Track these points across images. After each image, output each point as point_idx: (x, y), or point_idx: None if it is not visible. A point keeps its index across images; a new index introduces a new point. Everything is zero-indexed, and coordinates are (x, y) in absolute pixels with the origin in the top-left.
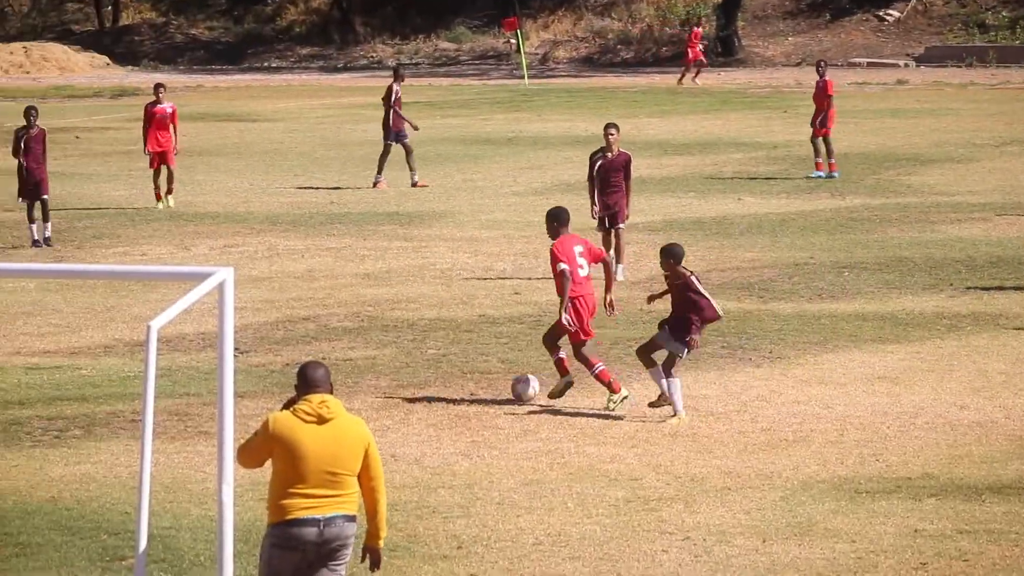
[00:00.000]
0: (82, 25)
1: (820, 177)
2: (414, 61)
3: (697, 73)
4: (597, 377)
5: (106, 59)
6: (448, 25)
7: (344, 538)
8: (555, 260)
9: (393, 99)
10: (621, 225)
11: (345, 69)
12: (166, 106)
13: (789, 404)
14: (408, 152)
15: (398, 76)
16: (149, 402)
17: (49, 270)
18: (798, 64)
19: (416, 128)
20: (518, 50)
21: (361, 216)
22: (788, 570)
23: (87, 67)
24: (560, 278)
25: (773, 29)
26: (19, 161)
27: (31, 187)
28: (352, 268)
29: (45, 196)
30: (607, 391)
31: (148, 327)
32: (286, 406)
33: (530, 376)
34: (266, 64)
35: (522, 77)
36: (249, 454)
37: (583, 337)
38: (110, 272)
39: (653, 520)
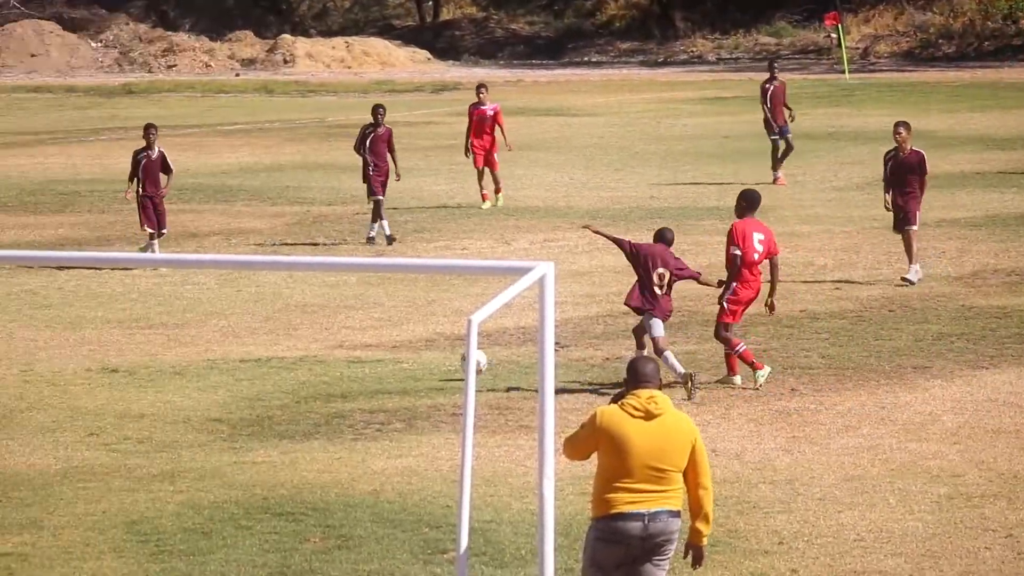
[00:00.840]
0: (403, 20)
1: None
2: (734, 56)
3: None
4: (741, 357)
5: (427, 54)
6: (768, 20)
7: (668, 533)
8: (731, 242)
9: (769, 95)
10: (912, 227)
11: (665, 64)
12: (488, 108)
13: None
14: (787, 150)
15: (772, 71)
16: (470, 396)
17: (371, 264)
18: None
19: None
20: (839, 45)
21: (681, 211)
22: None
23: (408, 62)
24: (731, 261)
25: None
26: (363, 158)
27: (378, 185)
28: None
29: (379, 197)
30: (751, 371)
31: (469, 321)
32: (614, 400)
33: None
34: (586, 59)
35: (843, 72)
36: (575, 447)
37: (734, 320)
38: (431, 266)
39: (975, 517)
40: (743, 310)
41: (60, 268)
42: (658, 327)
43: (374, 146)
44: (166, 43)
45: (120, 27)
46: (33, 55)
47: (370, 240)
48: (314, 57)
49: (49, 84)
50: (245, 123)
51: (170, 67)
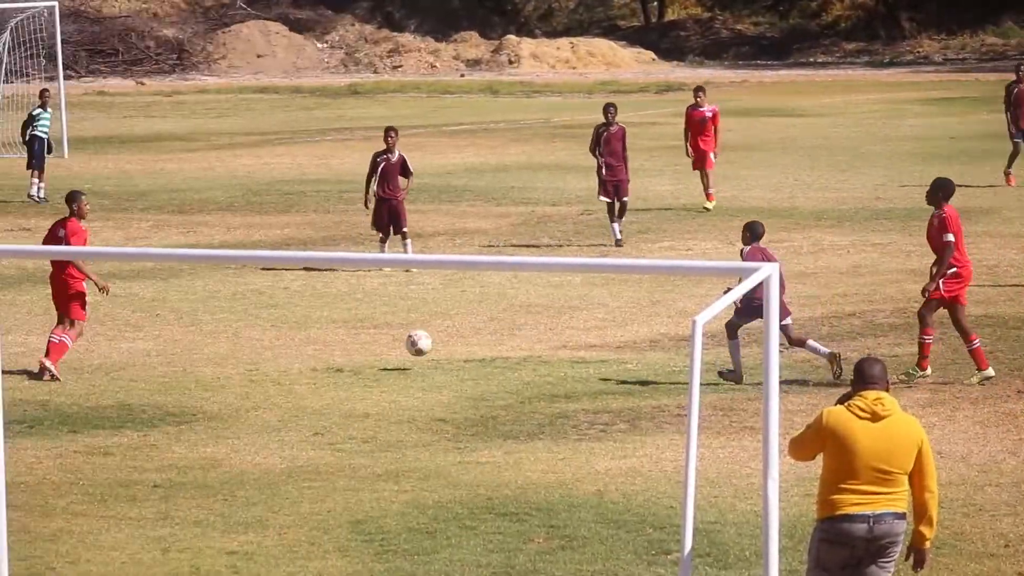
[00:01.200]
0: (628, 20)
1: None
2: (960, 56)
3: None
4: (921, 346)
5: (651, 54)
6: (996, 20)
7: (894, 535)
8: (945, 229)
9: (1013, 96)
10: None
11: (890, 64)
12: (706, 109)
13: None
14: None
15: (1019, 74)
16: (695, 397)
17: (596, 265)
18: None
19: None
20: None
21: (907, 212)
22: None
23: (632, 62)
24: (946, 249)
25: None
26: (597, 159)
27: (611, 186)
28: (897, 264)
29: (625, 198)
30: (975, 364)
31: (694, 322)
32: (840, 401)
33: (418, 332)
34: (811, 60)
35: None
36: (801, 447)
37: (961, 302)
38: (656, 267)
39: None
40: (962, 290)
41: (286, 269)
42: (787, 320)
43: (608, 145)
44: (392, 44)
45: (346, 28)
46: (259, 56)
47: (618, 243)
48: (539, 58)
49: (275, 85)
50: (470, 123)
51: (395, 68)
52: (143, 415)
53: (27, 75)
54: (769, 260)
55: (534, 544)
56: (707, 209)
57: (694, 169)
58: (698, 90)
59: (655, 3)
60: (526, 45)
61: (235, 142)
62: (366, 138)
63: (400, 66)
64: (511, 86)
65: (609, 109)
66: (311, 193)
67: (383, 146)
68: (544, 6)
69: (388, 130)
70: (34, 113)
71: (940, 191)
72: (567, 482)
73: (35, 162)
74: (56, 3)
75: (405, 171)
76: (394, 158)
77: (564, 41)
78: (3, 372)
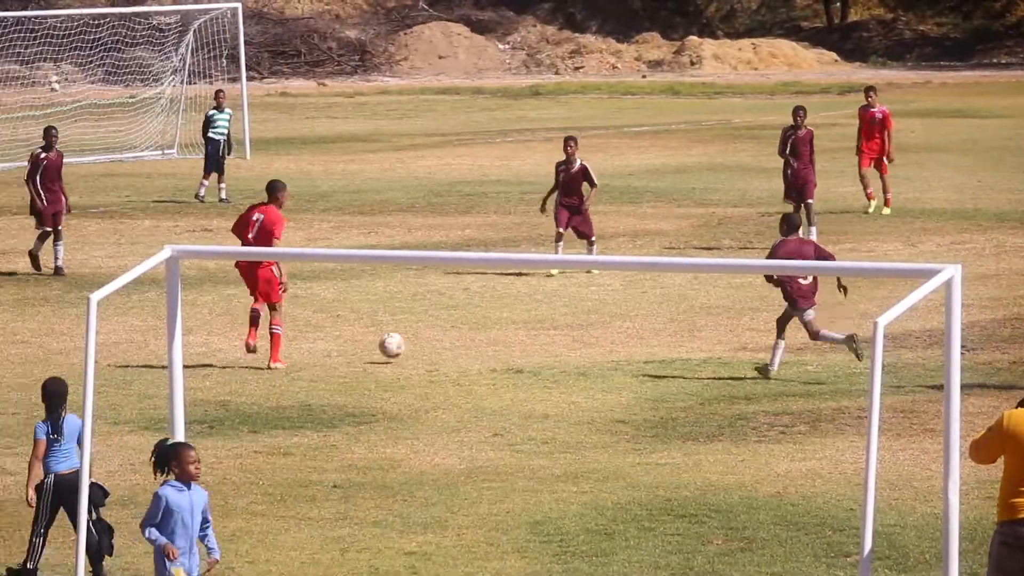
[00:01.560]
0: (810, 21)
1: None
2: None
3: None
4: None
5: (833, 55)
6: None
7: None
8: None
9: None
10: None
11: None
12: (876, 110)
13: None
14: None
15: None
16: (875, 398)
17: (778, 266)
18: None
19: None
20: None
21: None
22: None
23: (814, 63)
24: None
25: None
26: (786, 160)
27: (796, 189)
28: None
29: (809, 200)
30: None
31: (875, 324)
32: (1021, 404)
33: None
34: (995, 60)
35: None
36: (982, 450)
37: None
38: (838, 268)
39: None
40: None
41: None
42: (811, 315)
43: (796, 148)
44: (573, 45)
45: (528, 29)
46: (441, 57)
47: None
48: (720, 58)
49: (457, 86)
50: (651, 125)
51: (577, 69)
52: (323, 415)
53: (210, 76)
54: (804, 253)
55: (713, 546)
56: (868, 213)
57: (861, 169)
58: (869, 90)
59: (838, 4)
60: (708, 46)
61: (416, 143)
62: (547, 139)
63: (581, 67)
64: (692, 87)
65: (799, 112)
66: (492, 194)
67: (564, 154)
68: (726, 7)
69: (567, 139)
70: (210, 115)
71: None
72: (746, 484)
73: (209, 164)
74: (239, 5)
75: (588, 179)
76: (575, 167)
77: (746, 42)
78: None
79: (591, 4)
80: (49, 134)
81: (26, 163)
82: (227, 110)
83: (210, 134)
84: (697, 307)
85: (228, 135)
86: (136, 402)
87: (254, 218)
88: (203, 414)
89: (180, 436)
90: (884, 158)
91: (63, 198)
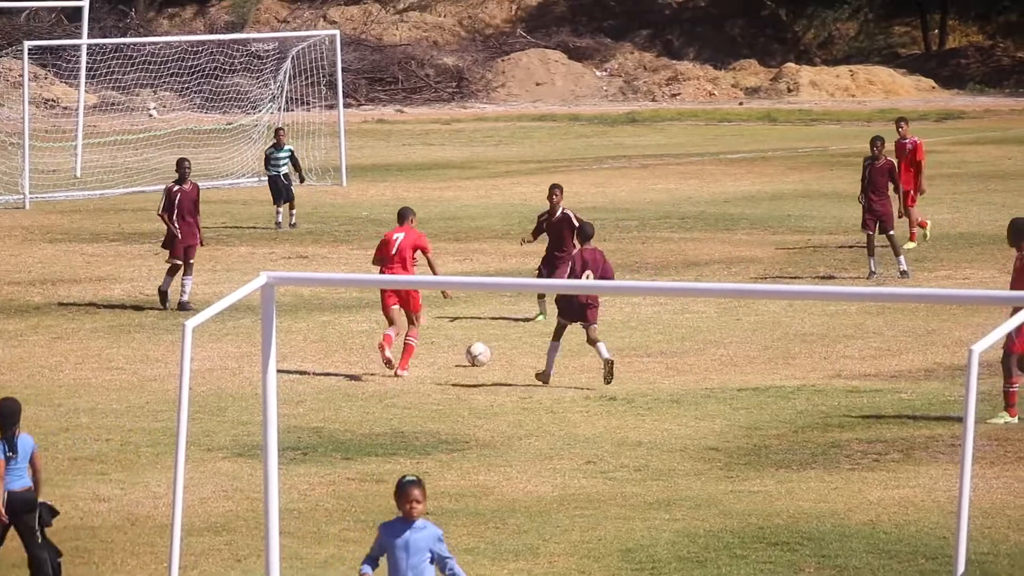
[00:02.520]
0: (908, 48)
1: None
2: None
3: None
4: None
5: (931, 82)
6: None
7: None
8: None
9: None
10: None
11: None
12: (907, 141)
13: None
14: None
15: None
16: (970, 426)
17: (871, 294)
18: None
19: None
20: None
21: None
22: None
23: (912, 90)
24: None
25: None
26: (862, 191)
27: (874, 220)
28: None
29: (891, 231)
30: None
31: (970, 351)
32: None
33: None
34: None
35: None
36: None
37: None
38: (932, 296)
39: None
40: None
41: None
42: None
43: (872, 180)
44: (670, 72)
45: (625, 56)
46: (538, 84)
47: (903, 275)
48: (818, 85)
49: (553, 113)
50: (748, 152)
51: (674, 95)
52: (416, 442)
53: (307, 103)
54: (595, 261)
55: (805, 574)
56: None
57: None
58: (900, 121)
59: (936, 31)
60: (805, 73)
61: (512, 170)
62: (643, 166)
63: (678, 94)
64: (789, 114)
65: (876, 143)
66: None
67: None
68: (824, 34)
69: (552, 188)
70: (268, 152)
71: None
72: (839, 512)
73: (276, 196)
74: (337, 32)
75: (571, 228)
76: (556, 216)
77: (844, 69)
78: (277, 398)
79: (689, 31)
80: (182, 166)
81: (160, 194)
82: (287, 147)
83: (271, 171)
84: (791, 334)
85: (292, 168)
86: (230, 428)
87: (394, 238)
88: (296, 441)
89: (273, 463)
90: (914, 191)
91: (197, 231)
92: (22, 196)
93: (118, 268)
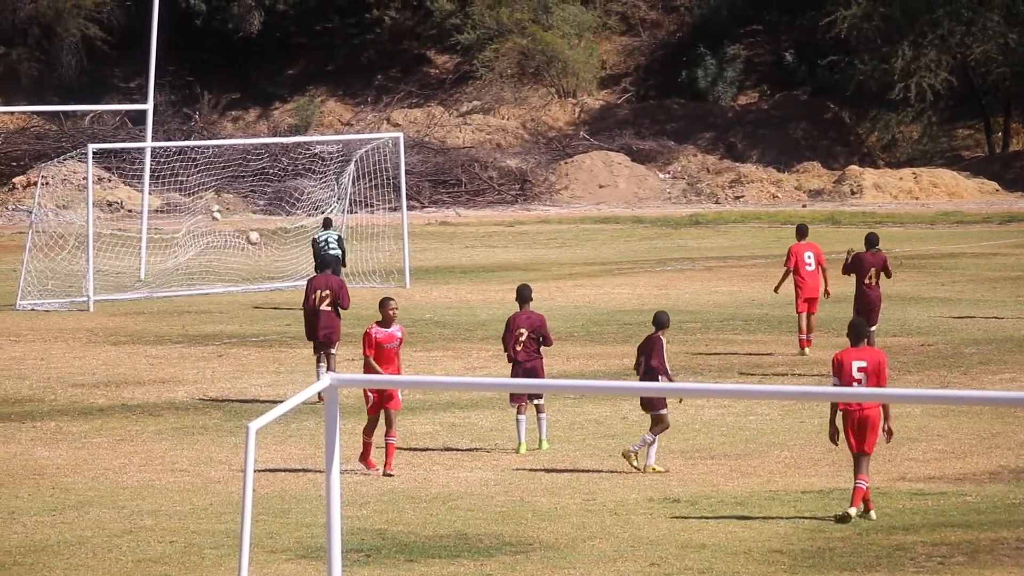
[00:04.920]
0: (971, 151)
1: None
2: None
3: None
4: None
5: (995, 185)
6: None
7: None
8: None
9: None
10: None
11: None
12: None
13: None
14: None
15: None
16: None
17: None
18: None
19: None
20: None
21: None
22: None
23: (975, 193)
24: None
25: None
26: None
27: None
28: None
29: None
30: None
31: None
32: None
33: None
34: None
35: None
36: None
37: None
38: (997, 399)
39: None
40: None
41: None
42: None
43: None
44: (734, 174)
45: (688, 158)
46: (601, 186)
47: None
48: (881, 188)
49: (617, 215)
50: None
51: (737, 198)
52: (480, 544)
53: (371, 205)
54: (532, 320)
55: None
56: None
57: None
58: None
59: (1000, 134)
60: (869, 175)
61: (575, 272)
62: (707, 268)
63: (742, 196)
64: (852, 216)
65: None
66: (650, 324)
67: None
68: (887, 137)
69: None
70: (315, 237)
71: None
72: None
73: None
74: (401, 135)
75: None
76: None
77: (907, 171)
78: (340, 500)
79: (751, 134)
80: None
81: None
82: (335, 232)
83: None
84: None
85: (339, 252)
86: (293, 530)
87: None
88: (360, 543)
89: (337, 565)
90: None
91: (337, 321)
92: (86, 298)
93: (182, 370)
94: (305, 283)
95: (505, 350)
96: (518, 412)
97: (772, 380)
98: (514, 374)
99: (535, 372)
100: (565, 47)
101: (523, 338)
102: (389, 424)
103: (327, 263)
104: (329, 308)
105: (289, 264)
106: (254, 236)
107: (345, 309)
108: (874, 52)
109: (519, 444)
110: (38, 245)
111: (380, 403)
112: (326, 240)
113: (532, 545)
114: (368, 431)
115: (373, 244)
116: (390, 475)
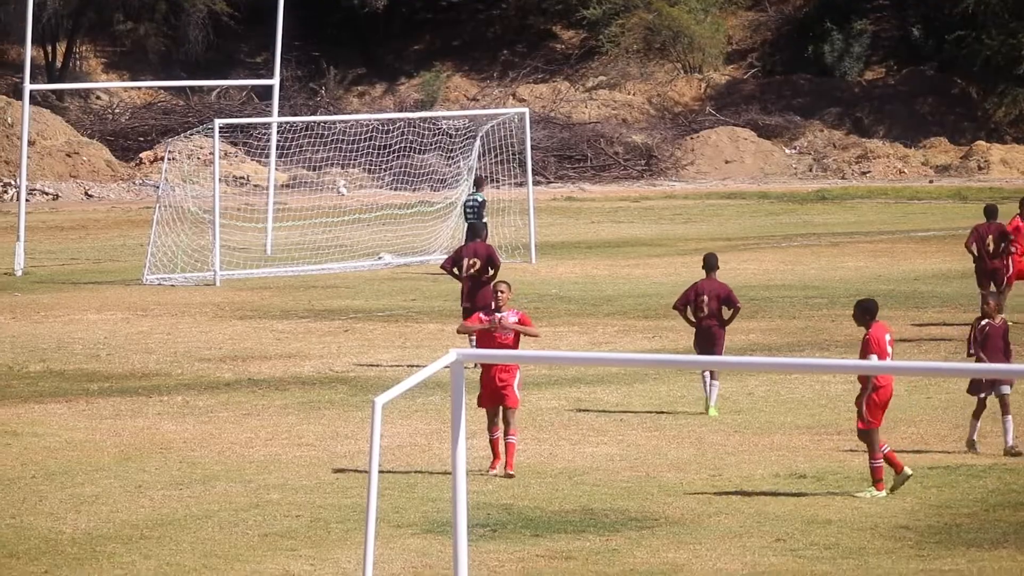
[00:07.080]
0: None
1: None
2: None
3: None
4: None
5: None
6: None
7: None
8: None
9: None
10: None
11: None
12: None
13: None
14: None
15: None
16: None
17: None
18: None
19: None
20: None
21: None
22: None
23: None
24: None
25: None
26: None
27: None
28: None
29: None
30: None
31: None
32: None
33: None
34: None
35: None
36: None
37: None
38: None
39: None
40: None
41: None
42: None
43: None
44: (860, 149)
45: (814, 134)
46: (727, 161)
47: None
48: (1009, 163)
49: (742, 190)
50: (938, 229)
51: (864, 173)
52: (605, 519)
53: (497, 181)
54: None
55: None
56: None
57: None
58: None
59: None
60: (996, 151)
61: (701, 247)
62: (833, 244)
63: (868, 172)
64: (979, 192)
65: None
66: (776, 299)
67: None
68: (1015, 111)
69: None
70: (466, 200)
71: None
72: None
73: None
74: (527, 110)
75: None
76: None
77: None
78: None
79: (878, 109)
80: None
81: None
82: (481, 196)
83: (469, 219)
84: (984, 414)
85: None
86: (419, 505)
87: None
88: (486, 517)
89: (462, 539)
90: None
91: (487, 289)
92: (213, 273)
93: (308, 344)
94: (431, 258)
95: (683, 315)
96: (703, 371)
97: (898, 356)
98: (697, 339)
99: (715, 338)
100: (691, 22)
101: (707, 304)
102: (507, 423)
103: (476, 231)
104: (477, 275)
105: (417, 239)
106: (343, 188)
107: (497, 269)
108: (1002, 27)
109: (707, 407)
110: (165, 219)
111: (491, 398)
112: (473, 206)
113: (658, 520)
114: (490, 428)
115: (499, 219)
116: (511, 475)
